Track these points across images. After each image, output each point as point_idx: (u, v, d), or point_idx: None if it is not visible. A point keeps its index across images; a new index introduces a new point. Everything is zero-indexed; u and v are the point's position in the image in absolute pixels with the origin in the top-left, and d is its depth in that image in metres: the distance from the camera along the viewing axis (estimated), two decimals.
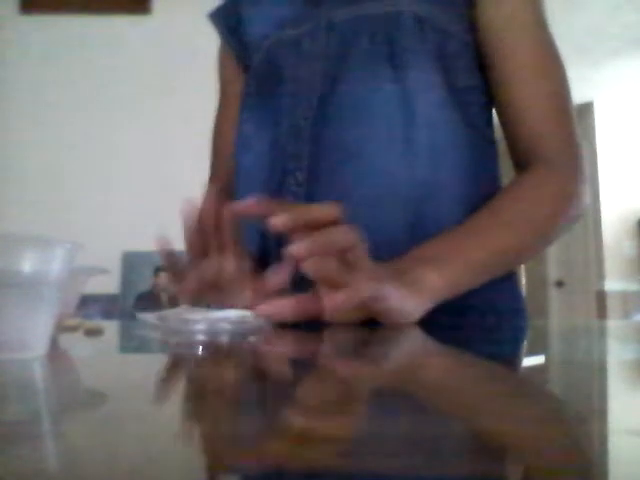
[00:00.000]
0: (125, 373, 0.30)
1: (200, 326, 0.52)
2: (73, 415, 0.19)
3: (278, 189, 0.67)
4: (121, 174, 2.54)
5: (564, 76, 0.67)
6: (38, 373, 0.29)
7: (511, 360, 0.35)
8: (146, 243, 2.56)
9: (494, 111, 0.70)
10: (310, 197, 0.64)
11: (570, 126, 0.65)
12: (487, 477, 0.13)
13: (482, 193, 0.65)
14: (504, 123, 0.68)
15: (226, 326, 0.52)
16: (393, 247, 0.57)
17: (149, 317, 0.57)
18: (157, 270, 2.54)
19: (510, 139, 0.68)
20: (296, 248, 0.47)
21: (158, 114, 2.54)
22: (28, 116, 2.56)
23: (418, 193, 0.63)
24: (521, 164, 0.67)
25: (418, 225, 0.62)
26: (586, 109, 4.64)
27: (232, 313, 0.54)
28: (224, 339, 0.46)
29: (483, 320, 0.65)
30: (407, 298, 0.51)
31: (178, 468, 0.13)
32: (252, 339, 0.46)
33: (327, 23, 0.68)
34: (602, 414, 0.19)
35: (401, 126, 0.63)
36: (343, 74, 0.65)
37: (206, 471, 0.13)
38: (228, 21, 0.81)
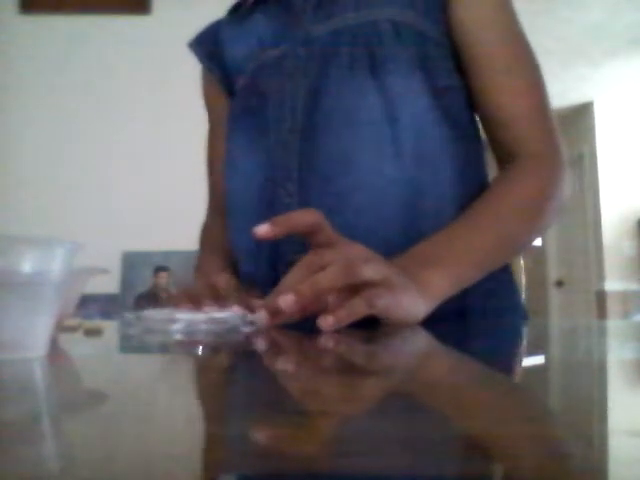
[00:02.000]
0: (125, 373, 0.30)
1: (177, 326, 0.52)
2: (73, 415, 0.19)
3: (270, 204, 0.67)
4: (121, 174, 2.54)
5: (538, 71, 0.68)
6: (38, 373, 0.29)
7: (510, 360, 0.35)
8: (146, 243, 2.57)
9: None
10: (305, 207, 0.64)
11: (547, 119, 0.66)
12: (485, 478, 0.13)
13: (472, 190, 0.66)
14: (484, 122, 0.70)
15: (203, 326, 0.53)
16: (390, 251, 0.57)
17: (129, 316, 0.58)
18: (157, 270, 2.54)
19: (491, 137, 0.69)
20: (283, 303, 0.47)
21: (158, 114, 2.54)
22: (28, 116, 2.56)
23: (410, 195, 0.64)
24: (503, 160, 0.68)
25: (413, 227, 0.63)
26: (586, 109, 4.64)
27: (210, 314, 0.55)
28: (203, 338, 0.46)
29: (481, 318, 0.65)
30: (413, 301, 0.51)
31: (178, 468, 0.13)
32: (252, 340, 0.46)
33: (305, 38, 0.69)
34: (602, 414, 0.19)
35: (387, 132, 0.64)
36: (326, 86, 0.66)
37: (206, 471, 0.13)
38: (207, 47, 0.82)
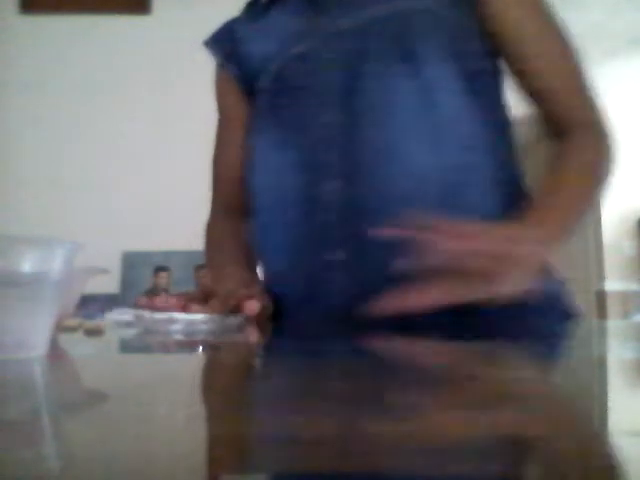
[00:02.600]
0: (125, 373, 0.30)
1: (177, 326, 0.52)
2: (73, 415, 0.19)
3: (310, 200, 0.68)
4: (121, 174, 2.54)
5: (575, 50, 0.73)
6: (38, 373, 0.29)
7: (512, 360, 0.35)
8: (146, 243, 2.57)
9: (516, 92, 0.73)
10: (349, 200, 0.65)
11: (591, 95, 0.71)
12: (487, 477, 0.13)
13: (507, 171, 0.69)
14: (532, 102, 0.72)
15: (202, 326, 0.53)
16: None
17: (125, 316, 0.58)
18: (157, 270, 2.53)
19: (542, 114, 0.72)
20: (452, 245, 0.51)
21: (158, 114, 2.54)
22: (28, 116, 2.56)
23: (452, 180, 0.65)
24: (556, 133, 0.71)
25: (456, 211, 0.64)
26: None
27: (204, 315, 0.55)
28: (203, 338, 0.46)
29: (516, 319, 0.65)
30: (524, 278, 0.54)
31: (177, 468, 0.13)
32: (251, 340, 0.46)
33: (335, 31, 0.70)
34: (602, 414, 0.19)
35: (425, 118, 0.66)
36: (360, 78, 0.67)
37: (206, 471, 0.13)
38: (224, 46, 0.81)
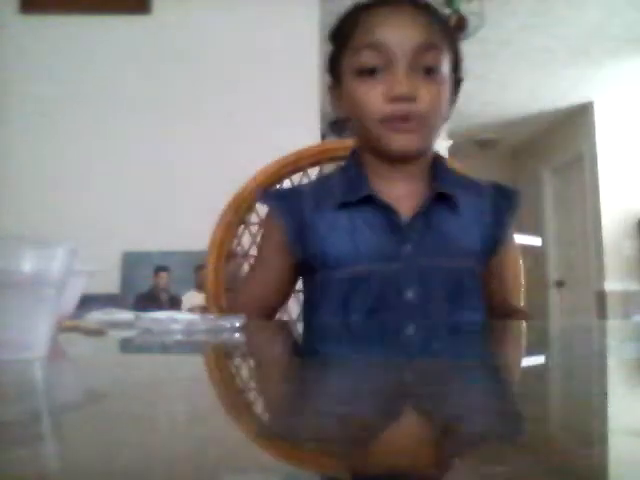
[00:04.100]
0: (125, 373, 0.30)
1: (177, 326, 0.53)
2: (73, 415, 0.19)
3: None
4: (121, 174, 2.54)
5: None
6: (38, 373, 0.29)
7: (510, 360, 0.35)
8: (146, 243, 2.57)
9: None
10: None
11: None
12: (488, 477, 0.13)
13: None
14: (491, 297, 0.92)
15: (202, 326, 0.53)
16: None
17: (123, 316, 0.58)
18: (157, 270, 2.53)
19: (494, 304, 0.94)
20: None
21: (158, 114, 2.54)
22: (28, 115, 2.56)
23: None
24: (497, 314, 0.94)
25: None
26: (586, 109, 4.63)
27: (208, 315, 0.55)
28: (203, 338, 0.46)
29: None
30: None
31: (177, 468, 0.13)
32: (249, 341, 0.46)
33: (417, 271, 0.81)
34: (602, 414, 0.19)
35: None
36: (432, 312, 0.81)
37: (206, 471, 0.13)
38: (287, 206, 0.87)
